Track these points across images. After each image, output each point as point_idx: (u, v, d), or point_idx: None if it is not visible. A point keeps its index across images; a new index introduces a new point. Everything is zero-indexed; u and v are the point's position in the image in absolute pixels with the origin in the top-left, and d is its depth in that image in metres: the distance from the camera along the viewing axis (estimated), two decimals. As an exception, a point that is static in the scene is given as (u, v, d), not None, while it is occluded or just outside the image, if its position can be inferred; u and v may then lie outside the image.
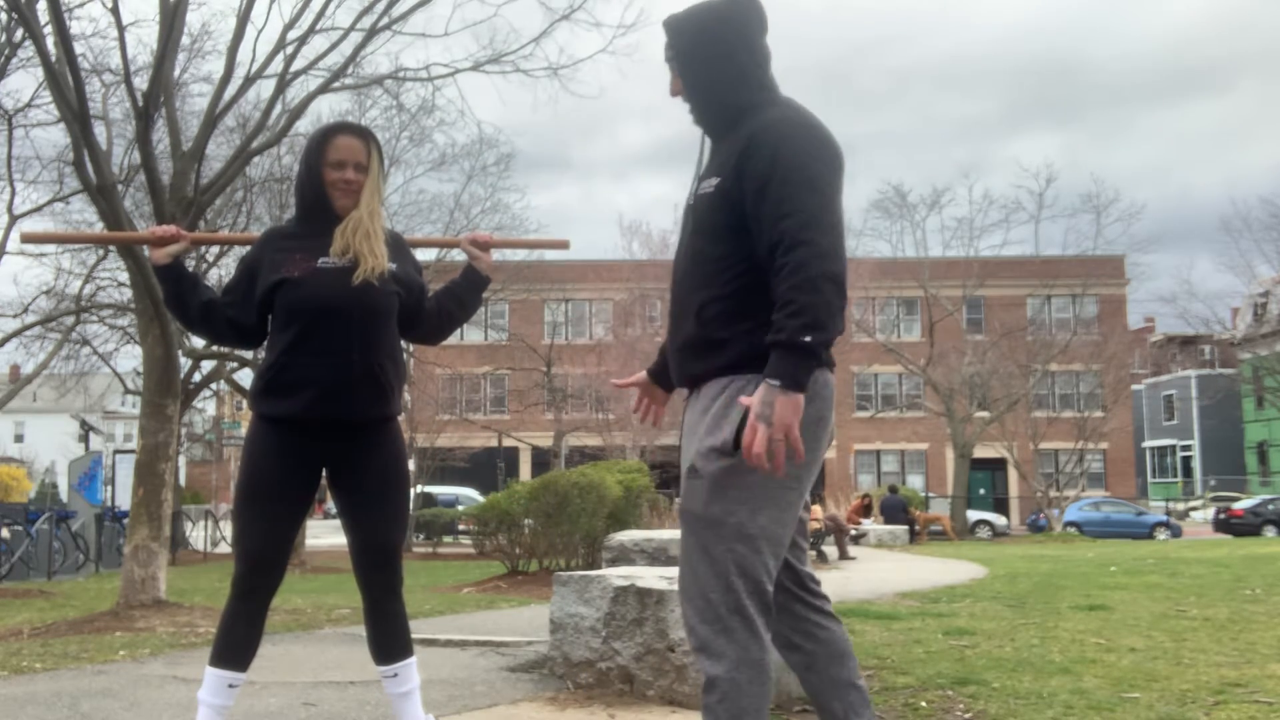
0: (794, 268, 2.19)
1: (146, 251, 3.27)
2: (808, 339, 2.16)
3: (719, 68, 2.41)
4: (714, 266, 2.37)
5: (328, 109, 46.46)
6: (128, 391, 25.14)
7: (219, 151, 15.30)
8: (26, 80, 48.17)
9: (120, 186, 12.40)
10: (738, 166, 2.32)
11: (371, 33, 10.42)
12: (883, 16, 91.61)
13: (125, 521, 11.70)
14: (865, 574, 11.42)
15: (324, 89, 10.87)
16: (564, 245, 3.72)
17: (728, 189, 2.34)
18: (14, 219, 17.86)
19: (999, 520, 34.42)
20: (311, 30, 10.37)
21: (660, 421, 2.78)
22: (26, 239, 3.44)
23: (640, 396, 2.76)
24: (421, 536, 26.22)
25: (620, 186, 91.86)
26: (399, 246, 3.10)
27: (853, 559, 15.59)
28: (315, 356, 2.89)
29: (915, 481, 39.96)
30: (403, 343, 3.14)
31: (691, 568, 2.31)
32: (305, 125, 14.39)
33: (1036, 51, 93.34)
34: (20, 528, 15.84)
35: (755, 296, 2.31)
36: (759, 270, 2.30)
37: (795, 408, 2.16)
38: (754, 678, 2.25)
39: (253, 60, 10.46)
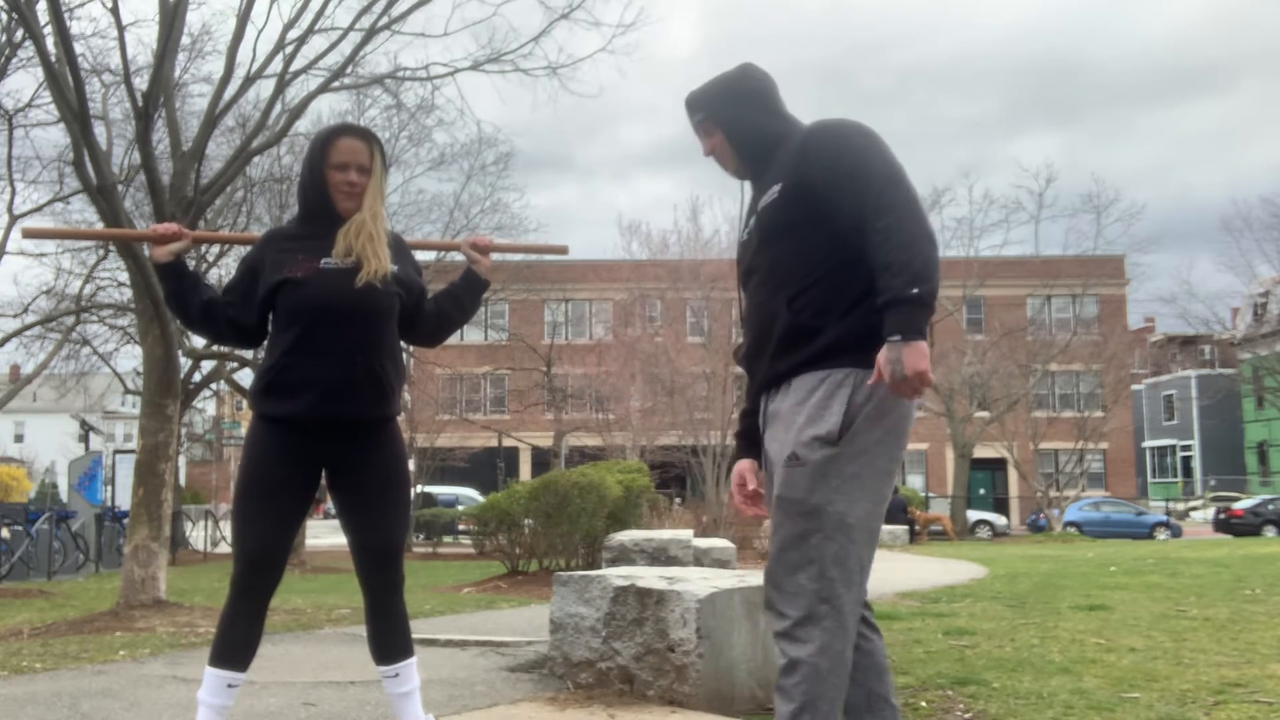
0: (886, 232, 2.29)
1: (147, 250, 3.27)
2: (915, 291, 2.24)
3: (751, 108, 2.62)
4: (794, 262, 2.46)
5: (327, 109, 46.53)
6: (128, 391, 25.13)
7: (219, 151, 15.30)
8: (26, 80, 48.21)
9: (120, 186, 12.40)
10: (800, 163, 2.45)
11: (371, 32, 10.42)
12: (883, 17, 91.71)
13: (125, 521, 11.70)
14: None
15: (324, 89, 10.88)
16: (563, 251, 3.69)
17: (795, 184, 2.45)
18: (14, 219, 17.87)
19: (999, 520, 34.44)
20: (311, 30, 10.38)
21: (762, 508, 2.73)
22: (28, 234, 3.43)
23: (745, 494, 2.70)
24: (421, 536, 26.21)
25: (621, 186, 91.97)
26: (400, 248, 3.11)
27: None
28: (317, 357, 2.89)
29: (915, 481, 39.98)
30: (402, 343, 3.14)
31: (785, 554, 2.35)
32: (305, 125, 14.45)
33: (1037, 51, 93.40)
34: (20, 528, 15.82)
35: (840, 284, 2.42)
36: (838, 257, 2.41)
37: (921, 353, 2.24)
38: (835, 667, 2.29)
39: (252, 60, 10.47)
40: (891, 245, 2.28)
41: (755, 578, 4.40)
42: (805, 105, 2.65)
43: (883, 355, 2.26)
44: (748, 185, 2.69)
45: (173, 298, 3.05)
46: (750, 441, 2.71)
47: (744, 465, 2.72)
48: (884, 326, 2.27)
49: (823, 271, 2.42)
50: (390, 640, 3.01)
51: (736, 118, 2.62)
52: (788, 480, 2.37)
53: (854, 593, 2.33)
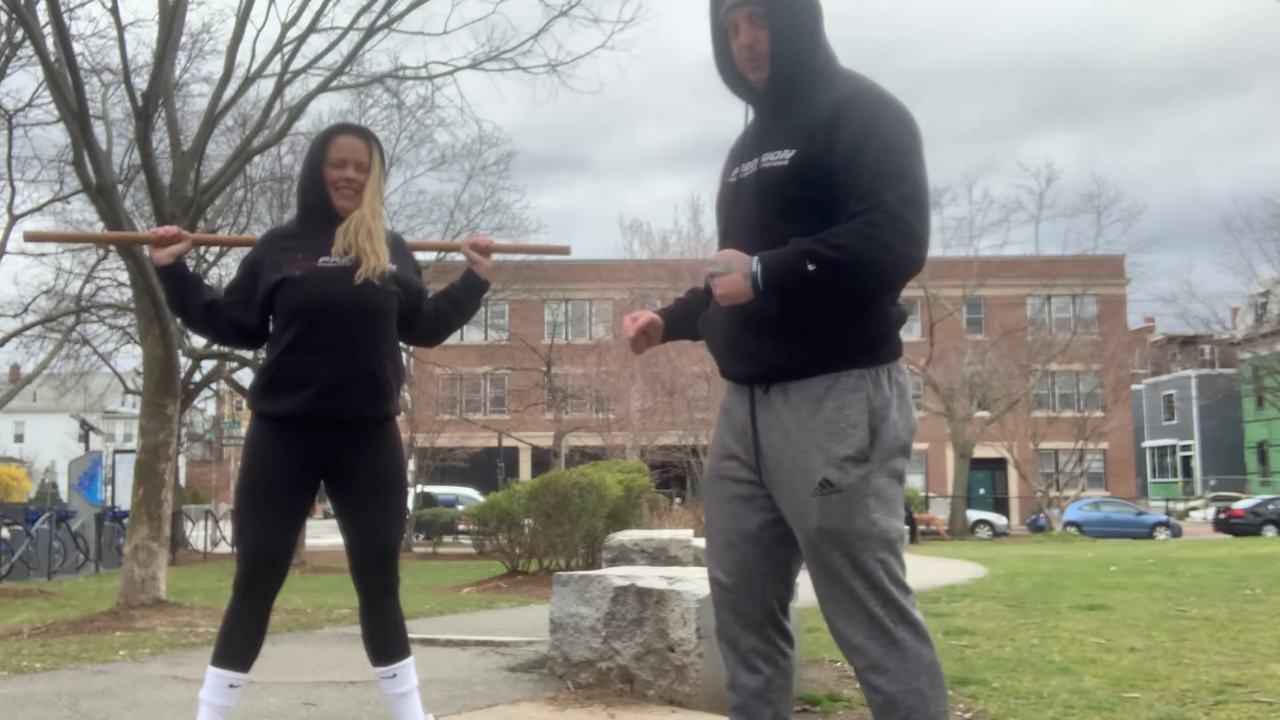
0: (872, 226, 2.06)
1: (148, 251, 3.28)
2: (810, 268, 2.07)
3: (810, 24, 2.27)
4: None
5: (328, 108, 46.45)
6: (128, 391, 25.13)
7: (219, 151, 15.31)
8: (26, 80, 48.16)
9: (120, 186, 12.41)
10: (825, 136, 2.16)
11: (370, 31, 10.43)
12: (903, 18, 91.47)
13: (125, 521, 11.70)
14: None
15: (323, 88, 10.89)
16: (564, 251, 3.64)
17: (812, 159, 2.17)
18: (14, 219, 17.87)
19: (999, 520, 34.44)
20: (311, 29, 10.38)
21: (642, 349, 2.51)
22: (30, 238, 3.43)
23: (641, 330, 2.48)
24: (421, 536, 26.22)
25: (633, 187, 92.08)
26: (400, 248, 3.10)
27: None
28: (316, 355, 2.89)
29: (915, 481, 39.95)
30: (401, 343, 3.14)
31: (844, 586, 2.16)
32: (305, 125, 14.45)
33: (1056, 52, 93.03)
34: (20, 528, 15.82)
35: None
36: None
37: (741, 297, 2.13)
38: (933, 681, 2.15)
39: (252, 59, 10.49)
40: (859, 234, 2.06)
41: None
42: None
43: (736, 259, 2.13)
44: (750, 111, 2.38)
45: (175, 300, 3.06)
46: (676, 311, 2.53)
47: (651, 315, 2.48)
48: (770, 252, 2.12)
49: None
50: (386, 641, 3.01)
51: (793, 30, 2.24)
52: (824, 509, 2.15)
53: (912, 597, 2.22)
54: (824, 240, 2.09)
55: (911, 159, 2.15)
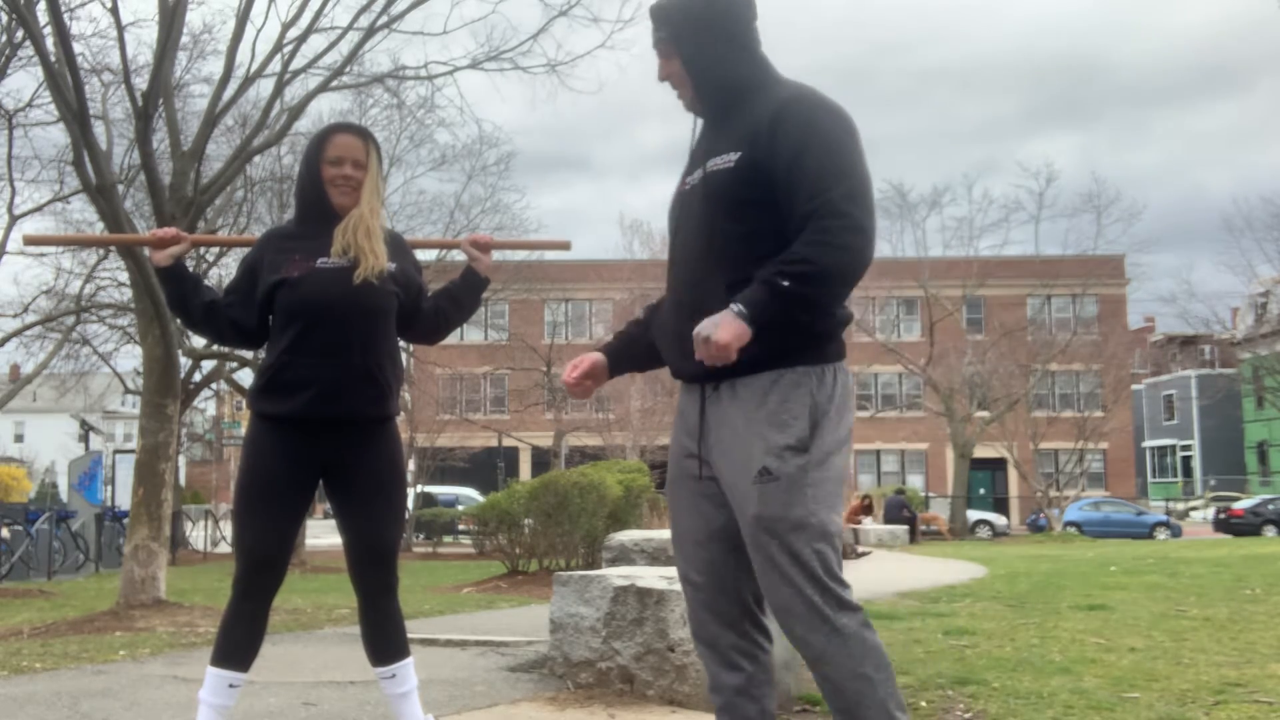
0: (820, 232, 2.13)
1: (148, 253, 3.28)
2: (786, 285, 2.11)
3: (720, 42, 2.34)
4: (740, 246, 2.26)
5: (328, 108, 46.45)
6: (128, 391, 25.14)
7: (219, 151, 15.31)
8: (26, 80, 48.17)
9: (120, 186, 12.41)
10: (768, 140, 2.23)
11: (370, 31, 10.43)
12: (904, 17, 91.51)
13: (125, 521, 11.70)
14: (865, 573, 11.41)
15: (323, 88, 10.89)
16: (565, 246, 3.65)
17: (756, 161, 2.24)
18: (14, 219, 17.87)
19: (999, 520, 34.43)
20: (310, 29, 10.39)
21: (587, 394, 2.60)
22: (29, 241, 3.44)
23: (583, 375, 2.56)
24: (421, 536, 26.22)
25: (633, 187, 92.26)
26: (398, 246, 3.10)
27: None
28: (314, 356, 2.89)
29: (915, 481, 39.98)
30: (401, 342, 3.14)
31: (782, 574, 2.19)
32: (305, 125, 14.43)
33: (1058, 52, 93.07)
34: (20, 528, 15.83)
35: None
36: (788, 246, 2.19)
37: (738, 332, 2.12)
38: (879, 664, 2.17)
39: (252, 60, 10.49)
40: (813, 243, 2.12)
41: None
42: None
43: (715, 315, 2.15)
44: (699, 122, 2.46)
45: (174, 301, 3.07)
46: (617, 345, 2.60)
47: (594, 356, 2.55)
48: (747, 290, 2.15)
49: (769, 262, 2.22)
50: (385, 641, 3.01)
51: (702, 50, 2.34)
52: (763, 497, 2.19)
53: (850, 590, 2.23)
54: (784, 260, 2.15)
55: (852, 157, 2.21)
